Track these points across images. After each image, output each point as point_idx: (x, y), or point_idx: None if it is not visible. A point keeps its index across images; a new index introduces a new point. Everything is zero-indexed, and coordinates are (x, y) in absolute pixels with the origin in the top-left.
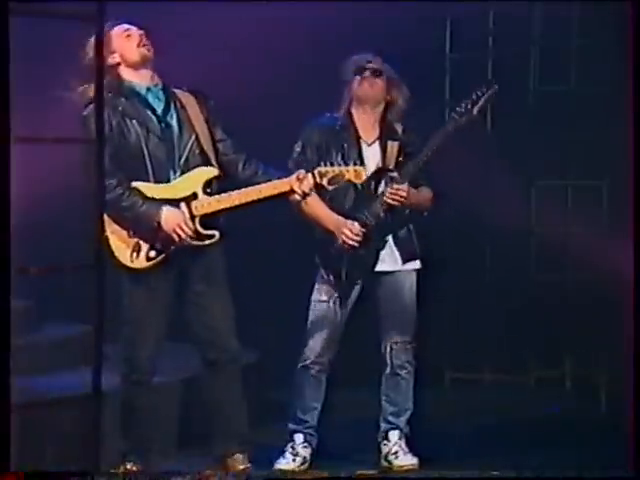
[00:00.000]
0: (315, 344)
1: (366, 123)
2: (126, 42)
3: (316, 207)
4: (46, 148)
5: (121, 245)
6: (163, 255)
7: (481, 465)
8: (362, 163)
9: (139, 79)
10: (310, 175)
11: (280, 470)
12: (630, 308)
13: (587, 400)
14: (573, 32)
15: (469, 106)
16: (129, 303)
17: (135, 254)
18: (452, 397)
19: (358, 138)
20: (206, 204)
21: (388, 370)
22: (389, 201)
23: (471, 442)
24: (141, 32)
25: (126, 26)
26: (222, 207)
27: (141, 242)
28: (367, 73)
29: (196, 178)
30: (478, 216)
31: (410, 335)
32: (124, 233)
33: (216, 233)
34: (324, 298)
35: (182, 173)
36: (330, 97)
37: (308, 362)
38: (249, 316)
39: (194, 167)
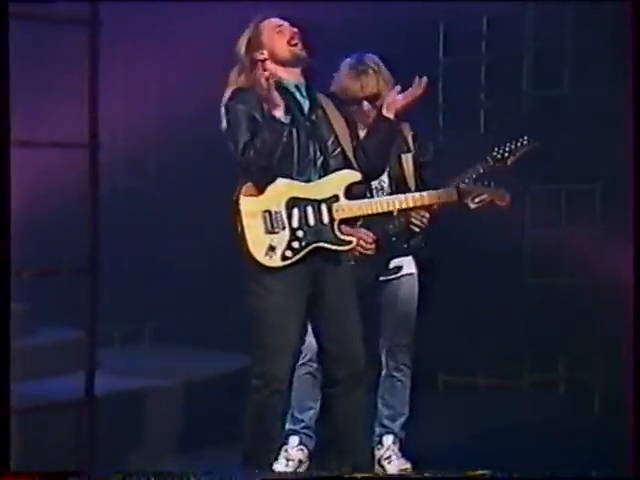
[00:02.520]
0: (313, 342)
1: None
2: (277, 38)
3: None
4: (43, 151)
5: (257, 241)
6: (299, 256)
7: (475, 469)
8: None
9: (287, 75)
10: (455, 191)
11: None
12: (630, 312)
13: (581, 404)
14: (567, 35)
15: (505, 155)
16: (264, 309)
17: (271, 252)
18: (445, 401)
19: None
20: (347, 208)
21: (384, 372)
22: (414, 227)
23: (464, 446)
24: (294, 30)
25: (278, 21)
26: (363, 213)
27: (276, 241)
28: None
29: (339, 180)
30: (472, 220)
31: (407, 338)
32: (261, 229)
33: (353, 239)
34: None
35: (321, 173)
36: None
37: (306, 359)
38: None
39: (334, 168)
